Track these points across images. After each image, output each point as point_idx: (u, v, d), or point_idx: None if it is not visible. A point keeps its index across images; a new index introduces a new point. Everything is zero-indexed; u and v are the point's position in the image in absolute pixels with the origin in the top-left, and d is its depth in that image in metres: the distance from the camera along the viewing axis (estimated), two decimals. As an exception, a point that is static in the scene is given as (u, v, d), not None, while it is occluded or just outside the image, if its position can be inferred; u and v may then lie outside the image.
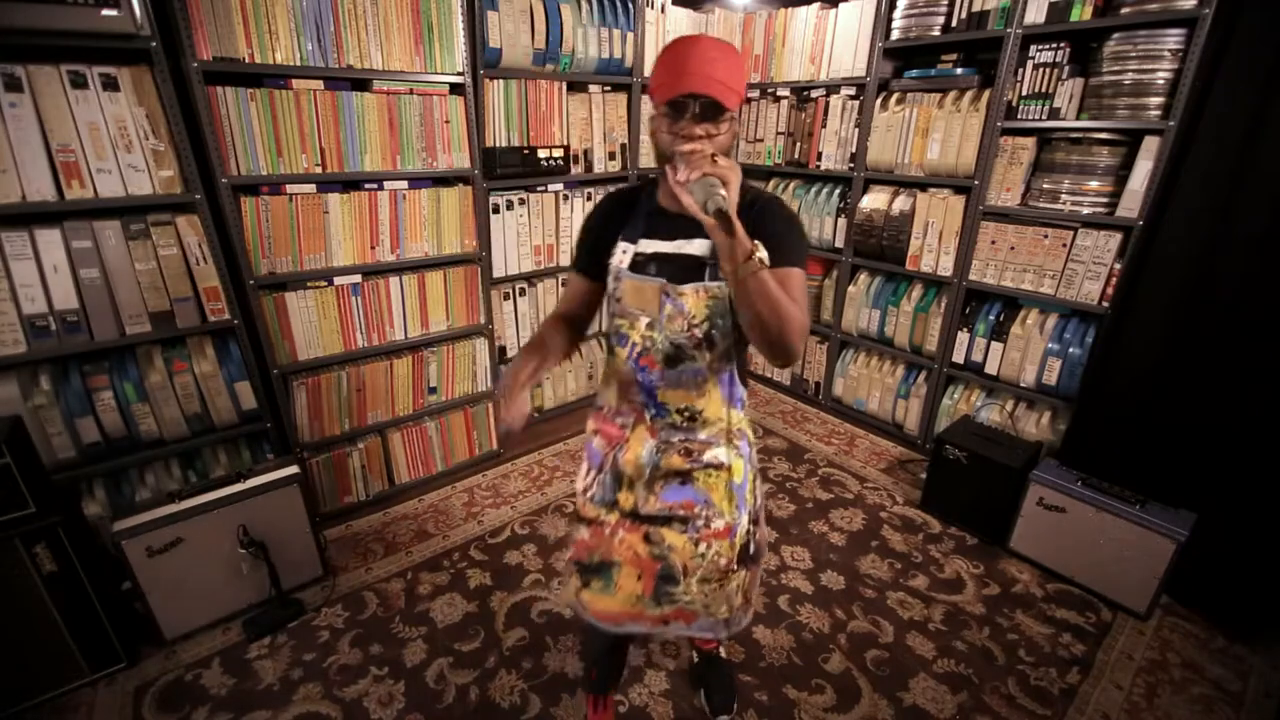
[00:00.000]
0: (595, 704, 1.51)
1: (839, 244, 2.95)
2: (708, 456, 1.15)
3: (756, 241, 0.91)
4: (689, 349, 1.09)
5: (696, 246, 1.07)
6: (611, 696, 1.52)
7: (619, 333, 1.15)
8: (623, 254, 1.11)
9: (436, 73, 2.13)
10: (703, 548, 1.14)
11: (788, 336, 0.93)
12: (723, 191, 0.87)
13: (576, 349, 1.23)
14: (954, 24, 2.42)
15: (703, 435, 1.15)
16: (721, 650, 1.67)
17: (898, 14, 2.55)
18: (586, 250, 1.18)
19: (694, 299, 1.06)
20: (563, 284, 2.84)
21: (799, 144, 3.03)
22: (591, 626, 1.25)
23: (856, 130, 2.77)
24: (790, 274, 1.01)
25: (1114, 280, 2.13)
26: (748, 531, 1.19)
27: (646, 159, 2.96)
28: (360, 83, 2.02)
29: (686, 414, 1.14)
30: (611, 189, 1.35)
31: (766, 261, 0.90)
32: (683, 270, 1.07)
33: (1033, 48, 2.19)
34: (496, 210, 2.51)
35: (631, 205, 1.15)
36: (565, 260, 2.81)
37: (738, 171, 0.92)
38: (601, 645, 1.39)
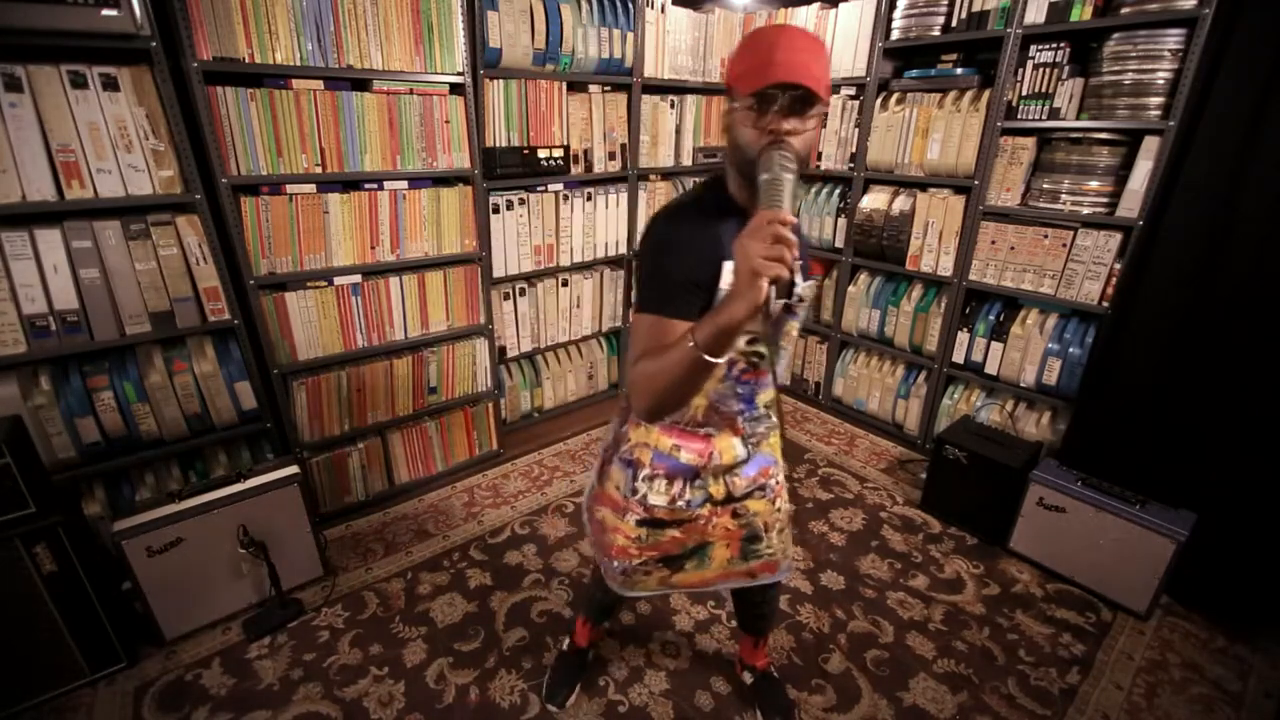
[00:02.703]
0: (589, 625, 1.64)
1: (839, 244, 2.95)
2: (762, 428, 1.22)
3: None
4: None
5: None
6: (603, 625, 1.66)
7: None
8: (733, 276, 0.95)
9: (436, 73, 2.13)
10: (779, 503, 1.28)
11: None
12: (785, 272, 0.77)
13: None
14: (954, 24, 2.42)
15: (762, 413, 1.20)
16: (773, 668, 1.66)
17: (898, 14, 2.55)
18: (685, 286, 0.94)
19: (802, 309, 1.09)
20: (563, 284, 2.83)
21: (799, 144, 3.03)
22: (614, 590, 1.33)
23: (856, 130, 2.76)
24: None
25: (1114, 280, 2.13)
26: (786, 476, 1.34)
27: (646, 159, 2.96)
28: (360, 83, 2.02)
29: (768, 406, 1.19)
30: (676, 205, 1.08)
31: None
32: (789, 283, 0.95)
33: (1033, 48, 2.19)
34: (496, 210, 2.50)
35: (714, 218, 0.99)
36: (565, 260, 2.80)
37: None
38: (617, 599, 1.42)
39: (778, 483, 1.28)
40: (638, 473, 1.20)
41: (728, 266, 0.93)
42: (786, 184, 0.83)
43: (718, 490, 1.21)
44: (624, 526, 1.22)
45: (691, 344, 0.83)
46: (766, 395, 1.16)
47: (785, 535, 1.32)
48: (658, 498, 1.19)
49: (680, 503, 1.19)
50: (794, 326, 1.11)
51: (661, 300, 0.95)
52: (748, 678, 1.65)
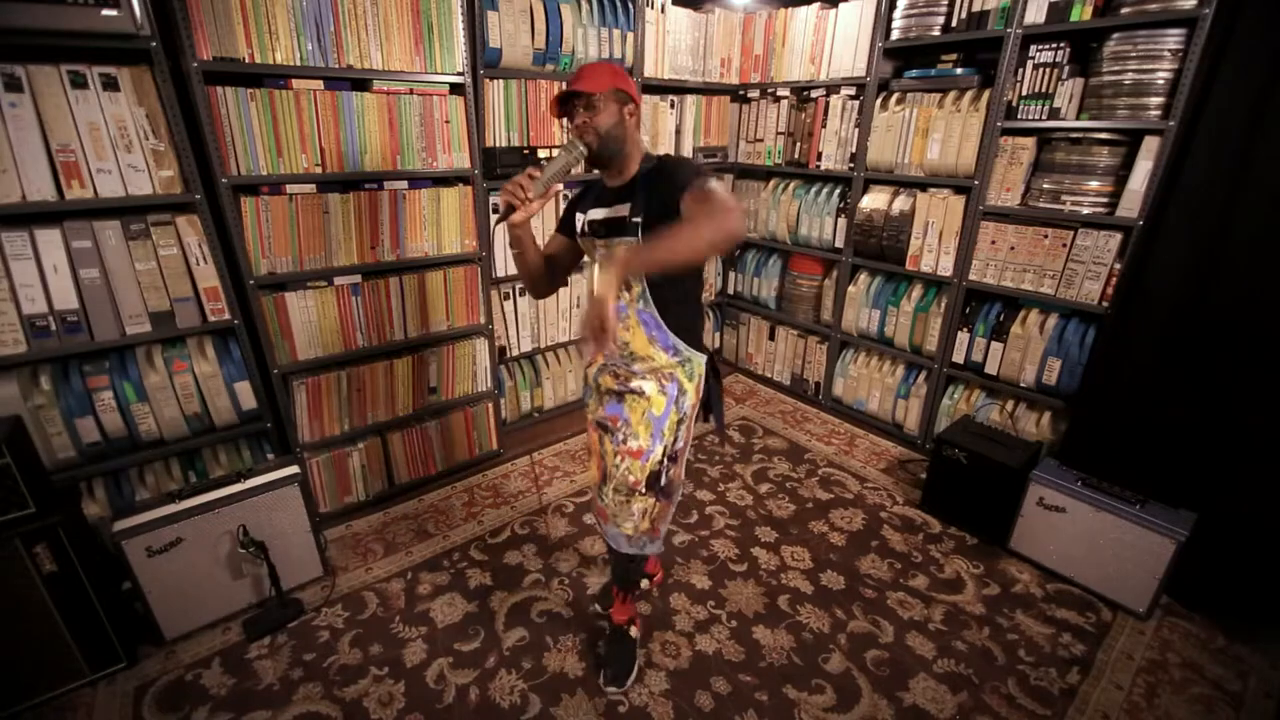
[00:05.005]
0: (620, 596, 1.72)
1: (839, 244, 2.95)
2: (633, 384, 1.44)
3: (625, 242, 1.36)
4: None
5: (623, 208, 1.39)
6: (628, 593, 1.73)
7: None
8: (579, 219, 1.49)
9: (436, 73, 2.13)
10: (618, 460, 1.44)
11: (717, 246, 1.18)
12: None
13: (552, 279, 1.59)
14: (954, 24, 2.42)
15: (635, 368, 1.44)
16: (633, 630, 1.75)
17: (898, 14, 2.55)
18: (565, 217, 1.57)
19: (621, 249, 1.37)
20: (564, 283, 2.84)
21: (799, 144, 3.03)
22: None
23: (856, 130, 2.76)
24: (701, 196, 1.25)
25: (1114, 280, 2.13)
26: (660, 462, 1.45)
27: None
28: (360, 83, 2.02)
29: (625, 346, 1.42)
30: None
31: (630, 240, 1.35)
32: (618, 228, 1.38)
33: (1033, 48, 2.19)
34: (496, 210, 2.51)
35: (592, 186, 1.52)
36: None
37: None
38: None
39: (625, 444, 1.43)
40: None
41: (578, 217, 1.50)
42: (557, 157, 1.35)
43: (592, 406, 1.54)
44: None
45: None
46: (623, 333, 1.40)
47: (623, 504, 1.46)
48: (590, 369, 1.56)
49: (585, 380, 1.58)
50: (609, 258, 1.38)
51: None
52: (605, 628, 1.81)
